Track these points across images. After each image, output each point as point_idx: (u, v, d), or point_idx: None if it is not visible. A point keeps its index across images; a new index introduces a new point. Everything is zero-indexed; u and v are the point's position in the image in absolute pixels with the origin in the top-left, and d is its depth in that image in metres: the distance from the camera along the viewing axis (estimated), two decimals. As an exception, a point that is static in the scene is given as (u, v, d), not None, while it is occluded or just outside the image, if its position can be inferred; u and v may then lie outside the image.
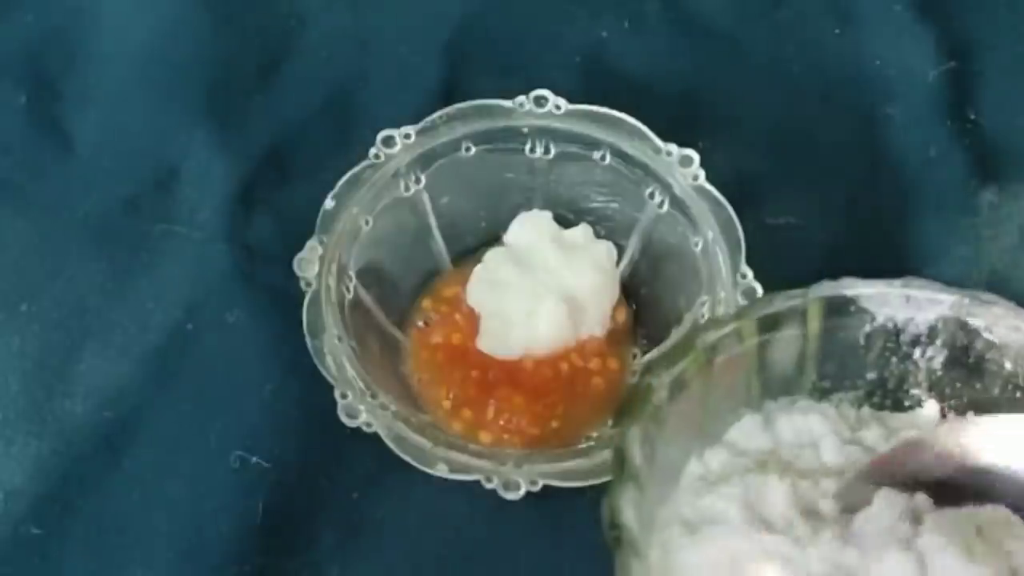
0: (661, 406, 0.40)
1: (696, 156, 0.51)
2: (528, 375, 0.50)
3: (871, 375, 0.44)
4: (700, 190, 0.51)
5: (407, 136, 0.52)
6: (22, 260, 0.54)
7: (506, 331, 0.50)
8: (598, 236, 0.53)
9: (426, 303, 0.53)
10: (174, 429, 0.50)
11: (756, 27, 0.62)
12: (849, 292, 0.43)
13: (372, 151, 0.51)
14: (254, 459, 0.49)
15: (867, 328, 0.43)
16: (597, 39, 0.61)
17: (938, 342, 0.43)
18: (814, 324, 0.43)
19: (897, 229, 0.56)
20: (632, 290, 0.53)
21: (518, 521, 0.47)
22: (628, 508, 0.38)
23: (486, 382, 0.50)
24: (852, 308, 0.43)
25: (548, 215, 0.53)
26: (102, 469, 0.49)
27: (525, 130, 0.52)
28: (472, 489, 0.44)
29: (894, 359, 0.44)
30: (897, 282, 0.43)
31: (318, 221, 0.50)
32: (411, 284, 0.53)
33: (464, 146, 0.52)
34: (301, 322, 0.47)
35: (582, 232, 0.53)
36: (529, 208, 0.54)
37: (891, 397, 0.45)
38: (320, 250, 0.49)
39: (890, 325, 0.43)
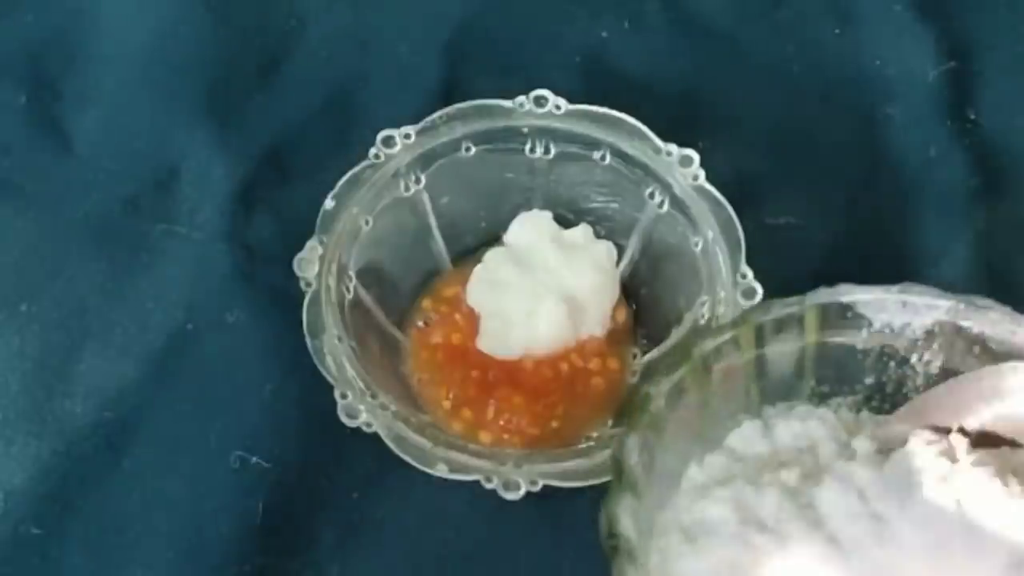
0: (659, 414, 0.41)
1: (696, 156, 0.51)
2: (528, 375, 0.50)
3: (869, 380, 0.44)
4: (700, 190, 0.51)
5: (407, 136, 0.52)
6: (22, 260, 0.54)
7: (506, 331, 0.50)
8: (598, 236, 0.53)
9: (426, 303, 0.53)
10: (174, 429, 0.50)
11: (756, 27, 0.62)
12: (846, 298, 0.43)
13: (372, 151, 0.51)
14: (254, 459, 0.49)
15: (864, 334, 0.43)
16: (597, 39, 0.61)
17: (935, 346, 0.43)
18: (811, 330, 0.43)
19: (897, 229, 0.56)
20: (632, 290, 0.53)
21: (518, 521, 0.47)
22: (625, 516, 0.38)
23: (486, 382, 0.50)
24: (849, 314, 0.43)
25: (548, 215, 0.53)
26: (102, 469, 0.49)
27: (525, 130, 0.52)
28: (472, 489, 0.44)
29: (892, 364, 0.44)
30: (894, 288, 0.43)
31: (318, 221, 0.50)
32: (411, 284, 0.53)
33: (464, 146, 0.52)
34: (301, 322, 0.47)
35: (582, 232, 0.53)
36: (529, 208, 0.54)
37: (889, 401, 0.45)
38: (320, 250, 0.49)
39: (887, 330, 0.43)
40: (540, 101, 0.52)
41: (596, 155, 0.52)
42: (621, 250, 0.53)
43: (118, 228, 0.55)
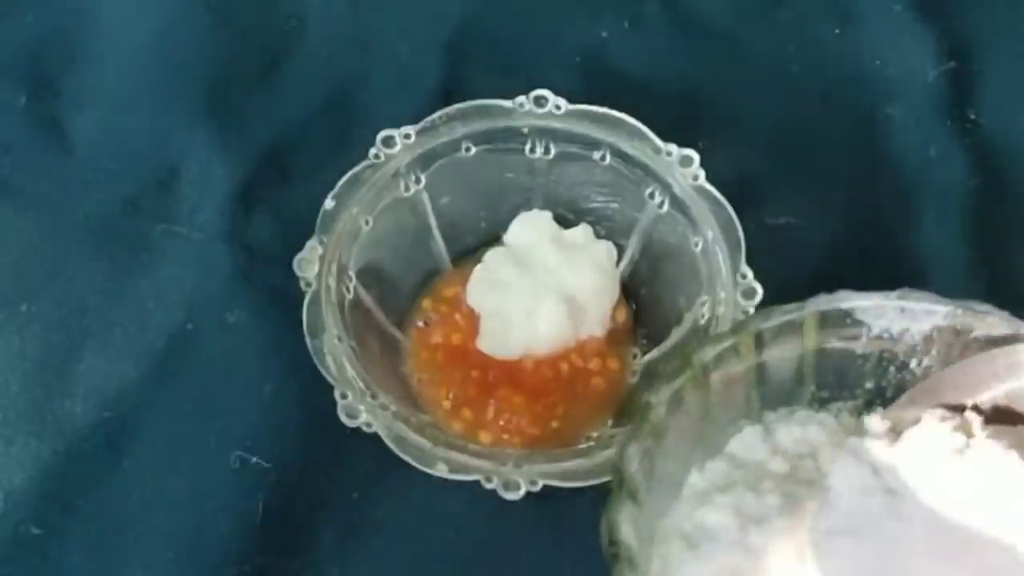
0: (660, 422, 0.41)
1: (696, 156, 0.51)
2: (528, 375, 0.50)
3: (869, 384, 0.44)
4: (700, 190, 0.51)
5: (407, 136, 0.52)
6: (22, 260, 0.54)
7: (506, 331, 0.50)
8: (598, 236, 0.53)
9: (426, 303, 0.53)
10: (174, 429, 0.50)
11: (756, 27, 0.62)
12: (845, 305, 0.43)
13: (372, 151, 0.51)
14: (254, 459, 0.49)
15: (863, 339, 0.43)
16: (597, 39, 0.61)
17: (933, 351, 0.43)
18: (811, 337, 0.43)
19: (897, 229, 0.56)
20: (632, 290, 0.53)
21: (518, 521, 0.47)
22: (626, 524, 0.39)
23: (486, 382, 0.50)
24: (848, 320, 0.43)
25: (548, 215, 0.53)
26: (102, 469, 0.49)
27: (525, 130, 0.52)
28: (472, 489, 0.44)
29: (891, 368, 0.44)
30: (892, 294, 0.43)
31: (318, 221, 0.50)
32: (411, 284, 0.53)
33: (464, 146, 0.52)
34: (301, 322, 0.47)
35: (582, 232, 0.53)
36: (529, 208, 0.54)
37: (890, 405, 0.45)
38: (320, 250, 0.49)
39: (886, 336, 0.43)
40: (540, 101, 0.52)
41: (596, 155, 0.52)
42: (621, 250, 0.53)
43: (118, 228, 0.55)
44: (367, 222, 0.51)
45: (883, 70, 0.60)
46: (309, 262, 0.49)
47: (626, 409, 0.50)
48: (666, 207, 0.51)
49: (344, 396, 0.46)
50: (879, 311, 0.43)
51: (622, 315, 0.52)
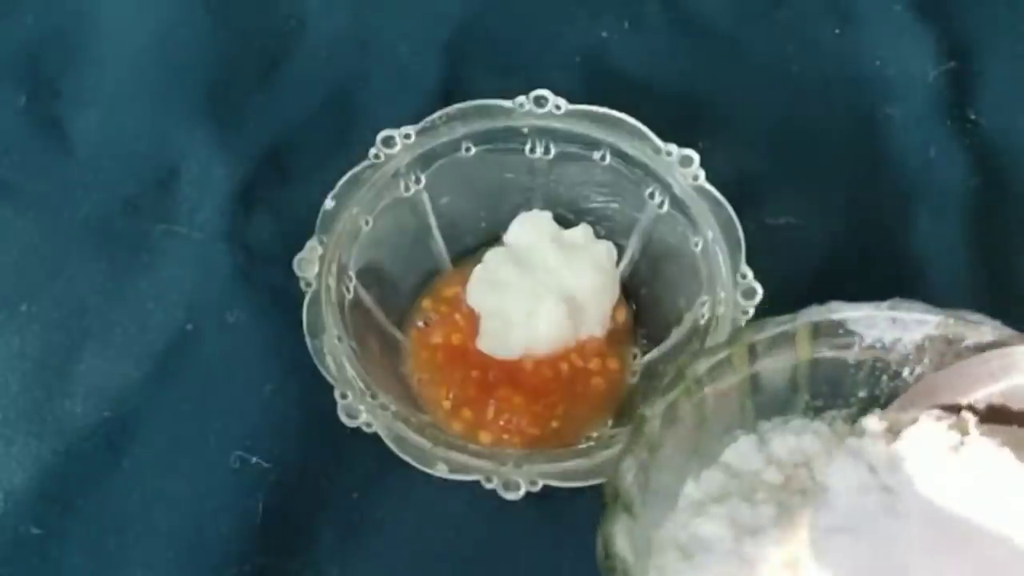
0: (654, 435, 0.41)
1: (696, 156, 0.51)
2: (528, 375, 0.50)
3: (862, 393, 0.45)
4: (700, 190, 0.51)
5: (407, 136, 0.52)
6: (22, 260, 0.54)
7: (506, 331, 0.50)
8: (598, 236, 0.53)
9: (426, 303, 0.53)
10: (174, 429, 0.50)
11: (756, 27, 0.62)
12: (836, 316, 0.43)
13: (372, 151, 0.51)
14: (254, 459, 0.49)
15: (856, 349, 0.44)
16: (597, 39, 0.61)
17: (926, 360, 0.43)
18: (804, 347, 0.43)
19: (897, 229, 0.56)
20: (632, 290, 0.53)
21: (518, 521, 0.47)
22: (621, 537, 0.39)
23: (486, 382, 0.50)
24: (840, 331, 0.43)
25: (548, 215, 0.53)
26: (102, 469, 0.49)
27: (525, 130, 0.52)
28: (472, 489, 0.44)
29: (884, 377, 0.44)
30: (883, 305, 0.43)
31: (318, 221, 0.50)
32: (411, 284, 0.53)
33: (464, 146, 0.52)
34: (301, 322, 0.47)
35: (582, 232, 0.53)
36: (529, 208, 0.54)
37: None
38: (320, 250, 0.49)
39: (878, 345, 0.44)
40: (540, 101, 0.52)
41: (596, 155, 0.52)
42: (621, 250, 0.53)
43: (118, 228, 0.55)
44: (367, 222, 0.50)
45: (883, 70, 0.60)
46: (309, 262, 0.49)
47: (626, 411, 0.50)
48: (666, 207, 0.51)
49: (344, 396, 0.46)
50: (871, 321, 0.43)
51: (622, 315, 0.52)
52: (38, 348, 0.51)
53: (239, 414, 0.50)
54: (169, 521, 0.48)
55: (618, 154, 0.52)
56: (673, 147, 0.51)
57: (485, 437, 0.49)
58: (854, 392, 0.44)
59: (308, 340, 0.47)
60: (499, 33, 0.61)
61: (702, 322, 0.49)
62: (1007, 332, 0.42)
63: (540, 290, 0.51)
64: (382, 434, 0.45)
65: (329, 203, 0.50)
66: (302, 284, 0.48)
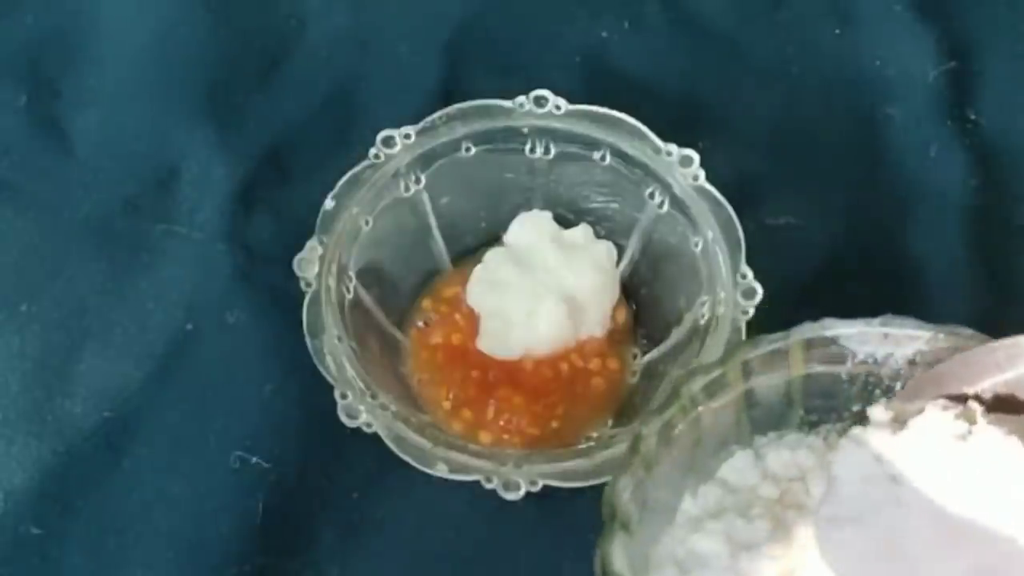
0: (650, 453, 0.41)
1: (696, 156, 0.51)
2: (528, 375, 0.50)
3: (856, 407, 0.45)
4: (700, 190, 0.51)
5: (407, 136, 0.52)
6: (22, 260, 0.54)
7: (506, 331, 0.50)
8: (598, 236, 0.53)
9: (426, 303, 0.53)
10: (174, 429, 0.50)
11: (756, 27, 0.62)
12: (829, 332, 0.43)
13: (372, 151, 0.51)
14: (254, 459, 0.49)
15: (849, 364, 0.44)
16: (597, 39, 0.61)
17: (917, 374, 0.44)
18: (797, 364, 0.44)
19: (897, 229, 0.56)
20: (632, 290, 0.53)
21: (518, 521, 0.47)
22: (619, 555, 0.39)
23: (486, 382, 0.50)
24: (833, 347, 0.44)
25: (548, 215, 0.53)
26: (102, 469, 0.49)
27: (525, 130, 0.52)
28: (472, 489, 0.44)
29: (877, 391, 0.44)
30: (875, 321, 0.43)
31: (318, 221, 0.50)
32: (411, 284, 0.53)
33: (464, 146, 0.52)
34: (301, 322, 0.47)
35: (582, 232, 0.53)
36: (529, 208, 0.54)
37: None
38: (320, 250, 0.49)
39: (871, 360, 0.44)
40: (540, 101, 0.52)
41: (596, 155, 0.52)
42: (621, 250, 0.53)
43: (118, 228, 0.55)
44: (367, 222, 0.50)
45: (883, 70, 0.60)
46: (309, 262, 0.49)
47: (626, 411, 0.50)
48: (666, 207, 0.51)
49: (344, 396, 0.46)
50: (863, 337, 0.43)
51: (622, 315, 0.52)
52: (38, 348, 0.51)
53: (239, 414, 0.50)
54: (169, 521, 0.48)
55: (618, 154, 0.52)
56: (673, 147, 0.51)
57: (485, 437, 0.49)
58: (848, 406, 0.45)
59: (308, 340, 0.47)
60: (499, 33, 0.61)
61: (702, 322, 0.49)
62: (995, 344, 0.42)
63: (540, 290, 0.51)
64: (382, 434, 0.45)
65: (329, 203, 0.50)
66: (302, 284, 0.48)
